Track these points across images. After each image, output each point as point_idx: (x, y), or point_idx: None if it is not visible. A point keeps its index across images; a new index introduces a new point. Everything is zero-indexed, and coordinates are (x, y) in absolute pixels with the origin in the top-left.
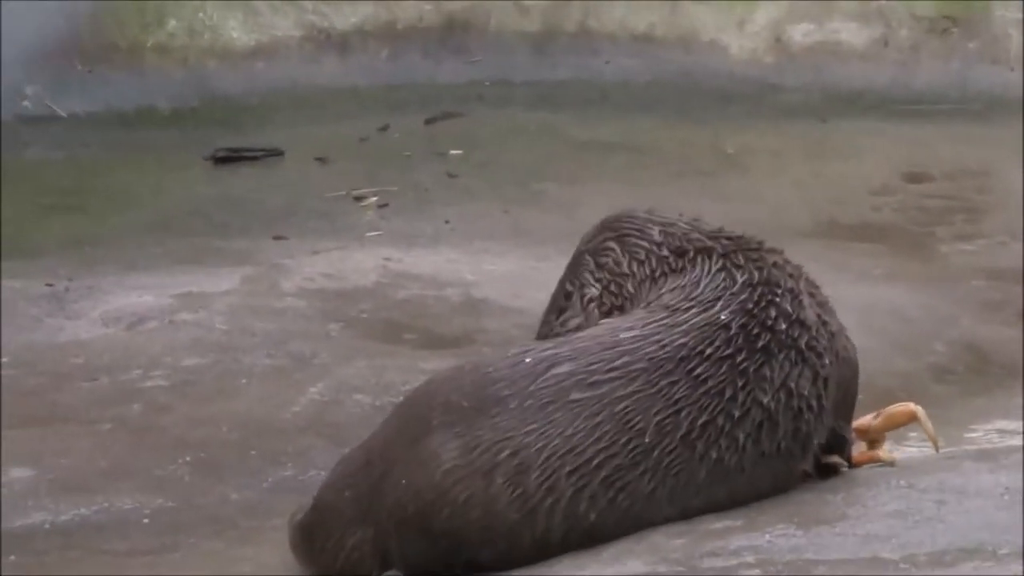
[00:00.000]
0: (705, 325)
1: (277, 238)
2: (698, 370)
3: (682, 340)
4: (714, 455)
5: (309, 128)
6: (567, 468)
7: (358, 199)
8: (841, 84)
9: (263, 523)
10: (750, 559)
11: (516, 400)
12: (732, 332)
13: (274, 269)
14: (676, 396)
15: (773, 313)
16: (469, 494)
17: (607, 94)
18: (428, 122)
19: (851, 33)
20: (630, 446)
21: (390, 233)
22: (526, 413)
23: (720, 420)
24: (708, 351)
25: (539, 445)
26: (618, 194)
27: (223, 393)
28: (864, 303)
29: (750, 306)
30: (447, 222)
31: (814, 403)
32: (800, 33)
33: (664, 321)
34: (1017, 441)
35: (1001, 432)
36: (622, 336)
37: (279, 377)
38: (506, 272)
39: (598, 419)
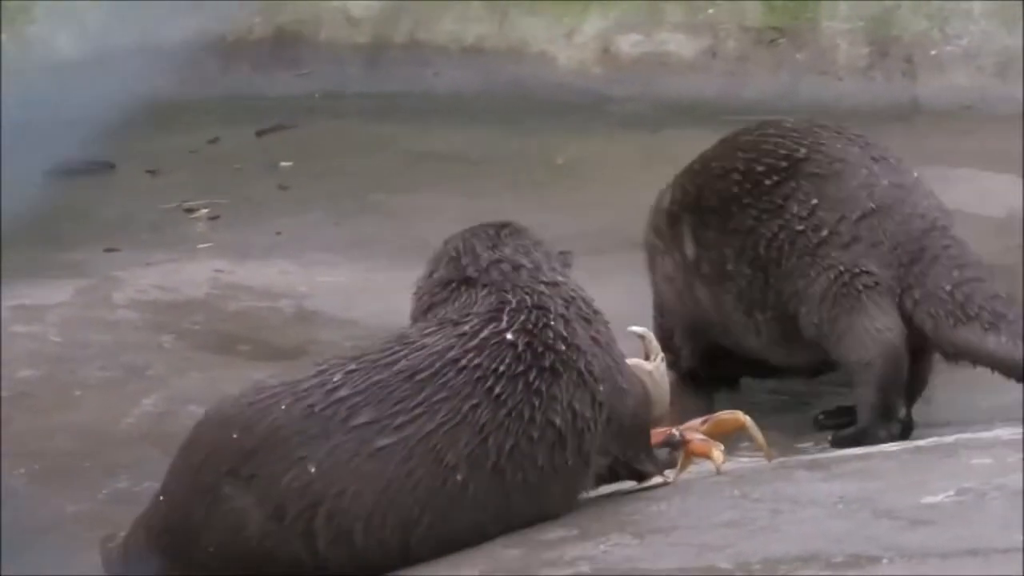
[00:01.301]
0: (495, 342)
1: (109, 250)
2: (496, 390)
3: (477, 360)
4: (520, 478)
5: (139, 141)
6: (390, 523)
7: (189, 211)
8: (670, 94)
9: (100, 534)
10: (585, 569)
11: (318, 456)
12: (520, 350)
13: (107, 281)
14: (481, 422)
15: (551, 335)
16: (292, 558)
17: (438, 105)
18: (259, 134)
19: (679, 44)
20: (446, 487)
21: (222, 245)
22: (335, 470)
23: (523, 443)
24: (501, 368)
25: (356, 505)
26: (452, 206)
27: (58, 405)
28: None
29: (529, 326)
30: (279, 233)
31: (592, 425)
32: (628, 44)
33: (453, 332)
34: (851, 451)
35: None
36: (418, 358)
37: (113, 389)
38: (339, 284)
39: (409, 464)
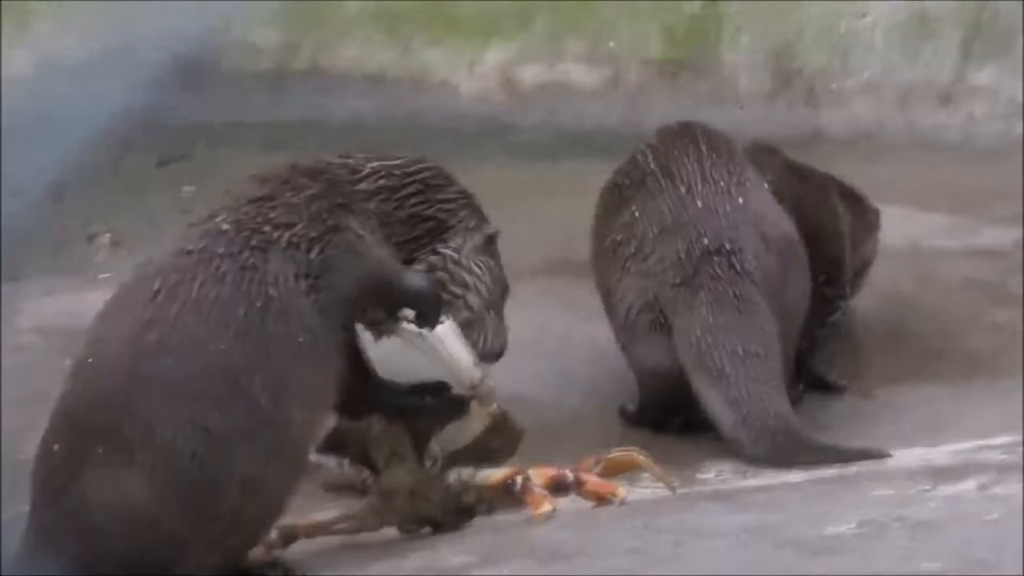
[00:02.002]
0: (213, 231)
1: (11, 279)
2: (220, 267)
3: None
4: (257, 346)
5: (40, 165)
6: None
7: (91, 237)
8: (572, 124)
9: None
10: None
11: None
12: (231, 234)
13: (9, 308)
14: (211, 296)
15: (259, 220)
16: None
17: (339, 134)
18: (160, 164)
19: (581, 74)
20: (209, 359)
21: (124, 270)
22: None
23: (252, 312)
24: (219, 250)
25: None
26: None
27: None
28: (596, 339)
29: (240, 217)
30: None
31: (306, 292)
32: (530, 74)
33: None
34: (755, 482)
35: (735, 472)
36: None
37: (19, 414)
38: None
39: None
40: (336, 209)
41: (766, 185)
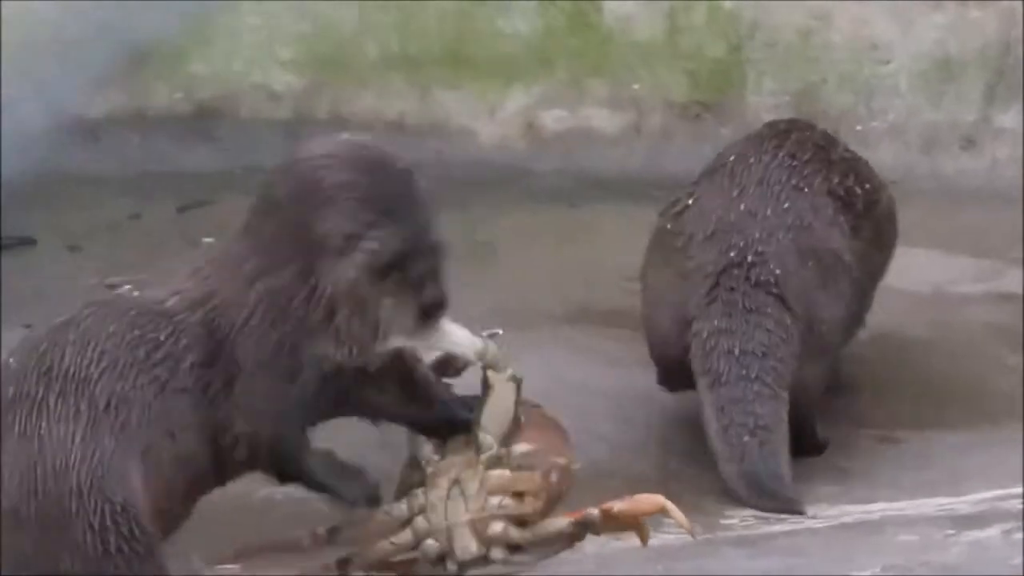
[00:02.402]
0: None
1: (27, 327)
2: None
3: None
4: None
5: (60, 216)
6: None
7: (111, 287)
8: (593, 169)
9: None
10: None
11: None
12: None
13: None
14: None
15: None
16: None
17: None
18: (180, 210)
19: (603, 119)
20: None
21: None
22: None
23: None
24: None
25: None
26: None
27: None
28: (616, 389)
29: None
30: None
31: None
32: (552, 119)
33: None
34: (778, 527)
35: (759, 518)
36: None
37: None
38: None
39: None
40: None
41: (831, 188)
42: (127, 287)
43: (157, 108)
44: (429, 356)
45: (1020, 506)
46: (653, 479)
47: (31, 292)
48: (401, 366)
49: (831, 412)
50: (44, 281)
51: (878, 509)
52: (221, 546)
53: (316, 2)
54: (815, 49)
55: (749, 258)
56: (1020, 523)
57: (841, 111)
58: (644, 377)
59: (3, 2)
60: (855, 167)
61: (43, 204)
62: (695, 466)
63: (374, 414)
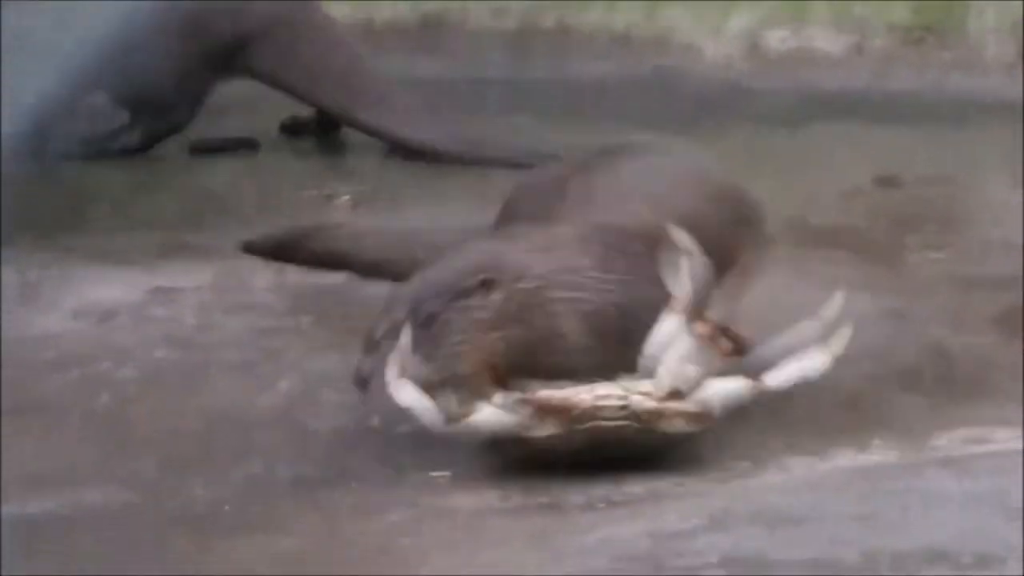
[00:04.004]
0: None
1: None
2: None
3: None
4: None
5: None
6: None
7: (329, 197)
8: (816, 90)
9: (231, 523)
10: (714, 559)
11: None
12: None
13: (245, 265)
14: None
15: None
16: None
17: (583, 94)
18: None
19: (826, 41)
20: None
21: None
22: None
23: None
24: None
25: None
26: None
27: (192, 388)
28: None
29: None
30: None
31: None
32: (775, 39)
33: None
34: (981, 449)
35: (965, 440)
36: None
37: (248, 371)
38: None
39: None
40: None
41: None
42: (345, 198)
43: (382, 19)
44: None
45: None
46: (865, 394)
47: (252, 198)
48: None
49: None
50: (264, 187)
51: None
52: None
53: None
54: None
55: None
56: None
57: None
58: (858, 296)
59: None
60: None
61: (272, 108)
62: (908, 387)
63: None
